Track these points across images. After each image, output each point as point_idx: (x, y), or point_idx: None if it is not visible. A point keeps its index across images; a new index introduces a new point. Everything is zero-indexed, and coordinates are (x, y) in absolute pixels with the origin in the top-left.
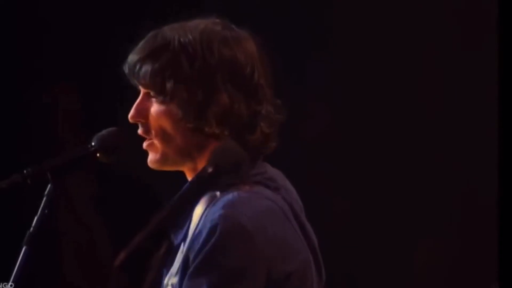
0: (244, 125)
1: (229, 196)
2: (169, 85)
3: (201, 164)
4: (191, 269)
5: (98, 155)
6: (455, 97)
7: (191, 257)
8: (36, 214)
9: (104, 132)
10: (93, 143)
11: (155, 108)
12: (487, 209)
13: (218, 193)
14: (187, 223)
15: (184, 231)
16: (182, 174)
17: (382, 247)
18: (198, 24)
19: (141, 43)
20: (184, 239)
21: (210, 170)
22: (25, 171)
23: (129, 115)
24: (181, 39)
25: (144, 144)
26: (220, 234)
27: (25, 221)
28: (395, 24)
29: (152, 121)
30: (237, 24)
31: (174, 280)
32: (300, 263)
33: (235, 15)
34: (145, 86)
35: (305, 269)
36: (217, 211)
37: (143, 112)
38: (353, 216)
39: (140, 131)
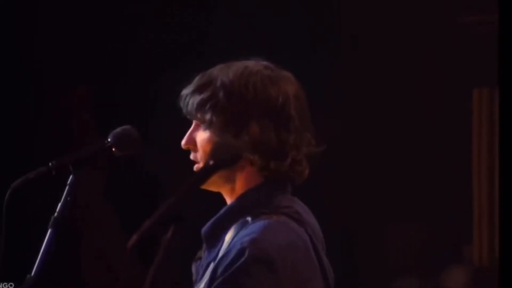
0: (274, 152)
1: (260, 223)
2: (208, 116)
3: (239, 186)
4: (216, 284)
5: (113, 149)
6: (455, 97)
7: (219, 272)
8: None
9: (118, 129)
10: (109, 139)
11: (200, 135)
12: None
13: (249, 219)
14: (219, 245)
15: (216, 251)
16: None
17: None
18: (242, 65)
19: (194, 81)
20: (214, 259)
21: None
22: (50, 164)
23: (182, 143)
24: (223, 78)
25: (195, 168)
26: (248, 258)
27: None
28: (396, 24)
29: (198, 147)
30: (236, 25)
31: None
32: None
33: (235, 15)
34: (191, 116)
35: None
36: (248, 235)
37: (192, 140)
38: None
39: (191, 156)
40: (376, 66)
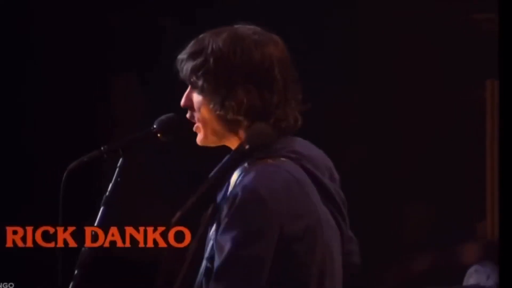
0: (258, 113)
1: (253, 171)
2: (200, 81)
3: (236, 142)
4: (221, 227)
5: (159, 135)
6: (455, 96)
7: (223, 214)
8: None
9: (163, 117)
10: (154, 126)
11: (194, 98)
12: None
13: (246, 165)
14: (226, 186)
15: (223, 192)
16: (221, 152)
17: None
18: (232, 31)
19: (188, 46)
20: (223, 200)
21: (246, 147)
22: (102, 148)
23: (181, 103)
24: (214, 45)
25: (194, 128)
26: (239, 201)
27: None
28: (396, 24)
29: (195, 109)
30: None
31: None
32: (307, 226)
33: (235, 15)
34: (187, 81)
35: (313, 231)
36: (243, 182)
37: (189, 101)
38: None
39: (187, 115)
40: (376, 65)
